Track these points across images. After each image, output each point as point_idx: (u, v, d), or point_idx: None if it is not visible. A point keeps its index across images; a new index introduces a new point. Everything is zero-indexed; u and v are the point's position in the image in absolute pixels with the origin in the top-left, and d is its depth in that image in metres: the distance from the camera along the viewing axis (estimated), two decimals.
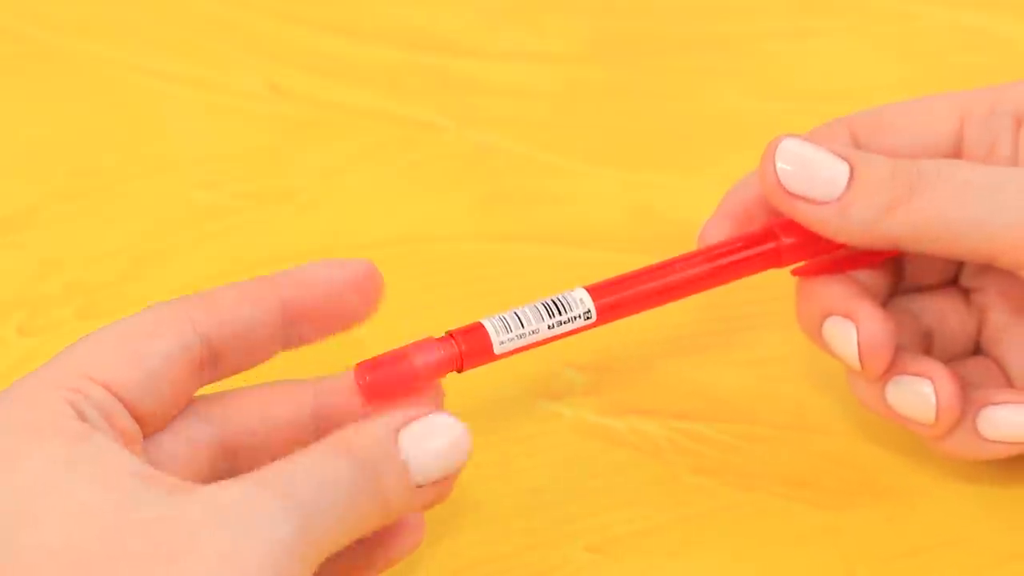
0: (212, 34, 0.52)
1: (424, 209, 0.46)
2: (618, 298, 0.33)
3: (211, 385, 0.31)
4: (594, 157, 0.48)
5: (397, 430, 0.28)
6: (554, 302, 0.32)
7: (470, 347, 0.31)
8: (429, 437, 0.29)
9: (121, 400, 0.28)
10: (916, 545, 0.37)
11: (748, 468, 0.39)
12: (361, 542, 0.30)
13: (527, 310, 0.32)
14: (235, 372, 0.31)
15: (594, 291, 0.33)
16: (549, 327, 0.32)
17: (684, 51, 0.52)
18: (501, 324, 0.32)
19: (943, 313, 0.37)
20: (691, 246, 0.45)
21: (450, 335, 0.31)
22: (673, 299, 0.34)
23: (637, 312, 0.34)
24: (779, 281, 0.44)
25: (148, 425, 0.29)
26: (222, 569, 0.25)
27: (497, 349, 0.32)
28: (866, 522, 0.37)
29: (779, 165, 0.33)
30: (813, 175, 0.33)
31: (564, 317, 0.32)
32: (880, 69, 0.52)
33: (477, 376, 0.37)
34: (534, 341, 0.32)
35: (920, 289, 0.37)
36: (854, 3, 0.55)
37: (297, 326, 0.30)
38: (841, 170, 0.33)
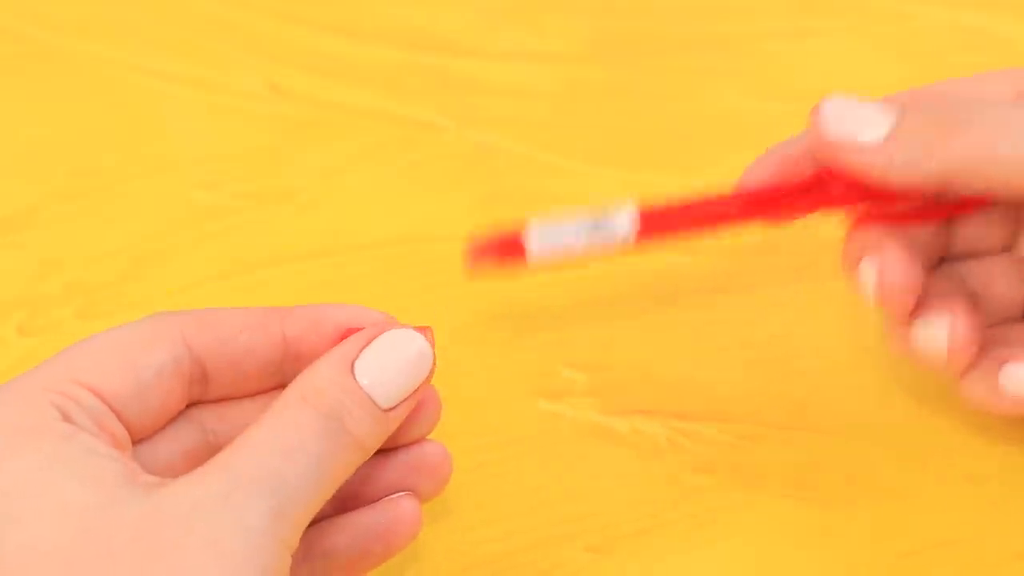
0: (212, 34, 0.52)
1: (424, 209, 0.46)
2: (663, 213, 0.33)
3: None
4: (594, 157, 0.48)
5: (351, 362, 0.28)
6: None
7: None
8: (385, 357, 0.29)
9: (111, 407, 0.28)
10: (916, 545, 0.37)
11: (748, 468, 0.39)
12: (358, 535, 0.30)
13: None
14: (229, 396, 0.31)
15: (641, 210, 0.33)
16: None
17: (684, 51, 0.52)
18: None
19: (991, 277, 0.36)
20: (690, 244, 0.45)
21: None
22: (716, 224, 0.34)
23: (677, 233, 0.34)
24: (779, 281, 0.44)
25: (136, 433, 0.29)
26: (204, 564, 0.25)
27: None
28: (866, 522, 0.37)
29: (825, 114, 0.33)
30: (860, 118, 0.33)
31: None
32: (880, 69, 0.52)
33: (477, 376, 0.38)
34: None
35: (973, 255, 0.37)
36: (854, 3, 0.55)
37: (299, 363, 0.30)
38: (887, 113, 0.32)
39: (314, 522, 0.28)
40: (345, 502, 0.31)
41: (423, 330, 0.30)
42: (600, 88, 0.51)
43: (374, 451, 0.29)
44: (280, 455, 0.27)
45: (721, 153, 0.48)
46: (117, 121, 0.49)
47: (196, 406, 0.30)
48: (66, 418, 0.27)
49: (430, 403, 0.31)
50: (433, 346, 0.29)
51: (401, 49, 0.52)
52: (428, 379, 0.29)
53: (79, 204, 0.46)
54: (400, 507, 0.31)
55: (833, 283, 0.44)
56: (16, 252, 0.44)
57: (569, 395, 0.40)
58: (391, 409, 0.28)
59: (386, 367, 0.28)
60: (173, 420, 0.30)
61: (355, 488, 0.31)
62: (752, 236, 0.45)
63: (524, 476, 0.38)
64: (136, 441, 0.29)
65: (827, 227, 0.46)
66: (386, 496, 0.31)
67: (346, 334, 0.29)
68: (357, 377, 0.28)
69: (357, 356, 0.28)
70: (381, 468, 0.31)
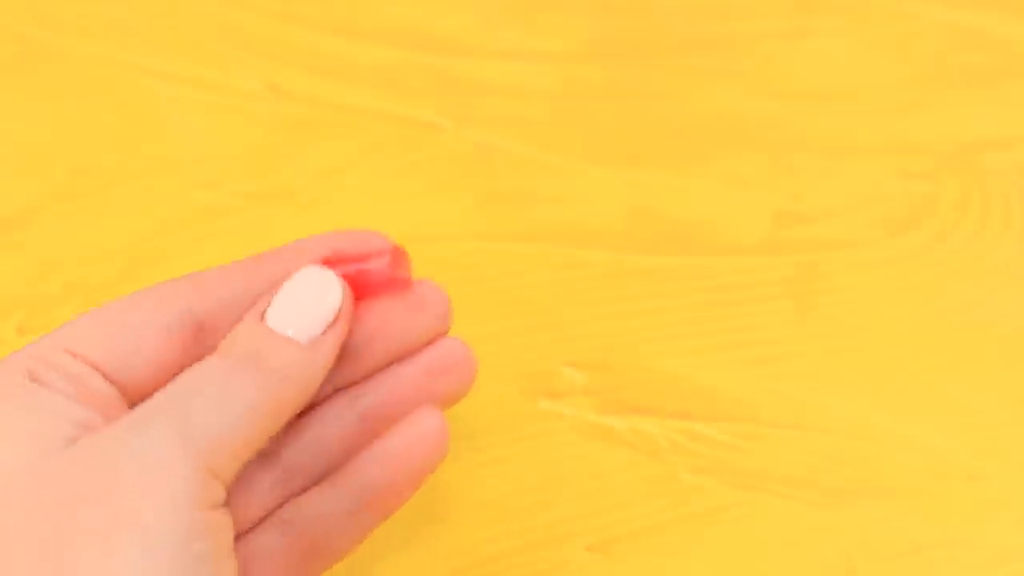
0: (212, 34, 0.52)
1: (424, 209, 0.46)
2: None
3: None
4: (593, 157, 0.48)
5: (262, 312, 0.29)
6: None
7: None
8: (292, 297, 0.29)
9: (96, 367, 0.28)
10: (916, 544, 0.37)
11: (748, 468, 0.39)
12: (384, 461, 0.30)
13: None
14: None
15: None
16: None
17: (684, 51, 0.52)
18: None
19: None
20: (690, 244, 0.45)
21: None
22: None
23: None
24: (779, 281, 0.44)
25: (134, 392, 0.29)
26: (109, 494, 0.25)
27: None
28: (866, 521, 0.37)
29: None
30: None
31: None
32: (879, 69, 0.52)
33: (477, 375, 0.37)
34: None
35: None
36: (853, 3, 0.55)
37: None
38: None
39: (342, 457, 0.29)
40: (375, 427, 0.31)
41: (390, 250, 0.30)
42: (599, 88, 0.51)
43: (313, 377, 0.29)
44: (185, 389, 0.27)
45: (721, 153, 0.48)
46: (117, 121, 0.49)
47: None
48: (34, 379, 0.27)
49: (433, 299, 0.31)
50: (392, 257, 0.30)
51: (401, 49, 0.52)
52: (345, 305, 0.29)
53: (79, 204, 0.46)
54: (420, 423, 0.30)
55: (829, 282, 0.44)
56: (16, 252, 0.44)
57: (569, 395, 0.40)
58: (316, 340, 0.29)
59: (294, 305, 0.29)
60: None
61: (378, 410, 0.31)
62: (751, 236, 0.45)
63: (524, 476, 0.38)
64: (137, 401, 0.29)
65: (824, 229, 0.46)
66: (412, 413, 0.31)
67: (324, 263, 0.30)
68: (269, 323, 0.29)
69: (268, 305, 0.29)
70: (399, 379, 0.31)
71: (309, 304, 0.29)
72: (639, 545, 0.37)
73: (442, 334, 0.32)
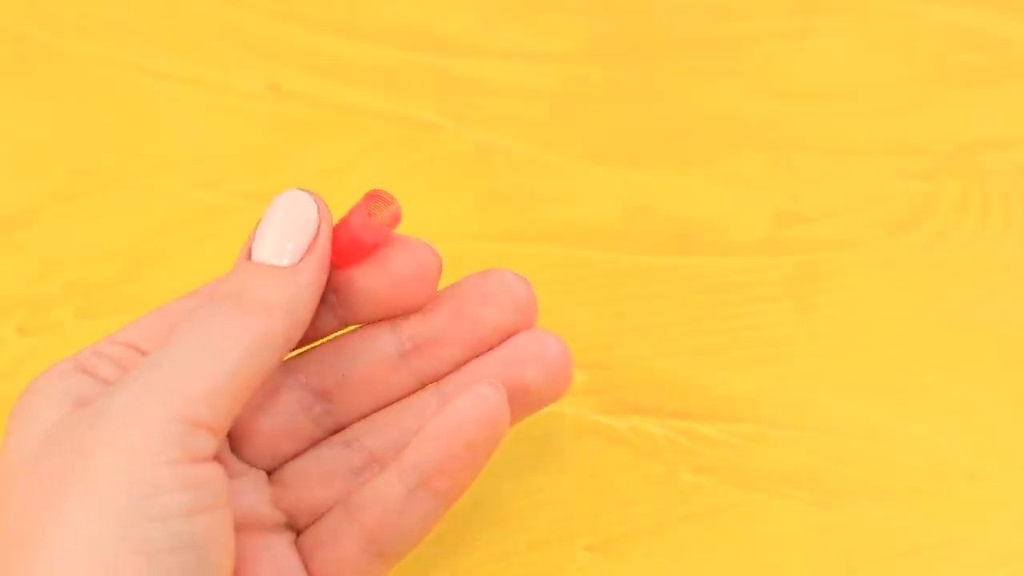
0: (212, 34, 0.52)
1: (424, 209, 0.46)
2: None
3: None
4: (593, 156, 0.48)
5: (248, 249, 0.28)
6: None
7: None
8: (268, 224, 0.28)
9: (141, 352, 0.29)
10: (916, 544, 0.37)
11: (748, 468, 0.39)
12: (438, 436, 0.29)
13: None
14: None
15: None
16: None
17: (683, 51, 0.52)
18: None
19: None
20: (690, 244, 0.45)
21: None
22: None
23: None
24: (779, 281, 0.44)
25: None
26: (89, 452, 0.25)
27: None
28: (866, 521, 0.37)
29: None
30: None
31: None
32: (879, 68, 0.52)
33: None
34: None
35: None
36: (853, 3, 0.55)
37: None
38: None
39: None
40: None
41: (372, 197, 0.29)
42: (599, 88, 0.51)
43: (300, 304, 0.28)
44: (169, 343, 0.27)
45: (720, 153, 0.48)
46: (117, 121, 0.49)
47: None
48: (80, 368, 0.28)
49: (506, 289, 0.31)
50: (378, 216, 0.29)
51: (401, 49, 0.52)
52: (324, 224, 0.29)
53: (79, 204, 0.46)
54: (475, 398, 0.29)
55: (829, 282, 0.44)
56: (16, 252, 0.44)
57: (569, 395, 0.40)
58: (298, 264, 0.28)
59: (273, 232, 0.28)
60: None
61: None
62: (751, 236, 0.45)
63: (524, 476, 0.38)
64: None
65: (824, 229, 0.46)
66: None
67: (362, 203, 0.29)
68: (253, 257, 0.28)
69: (251, 239, 0.29)
70: (479, 370, 0.31)
71: (288, 230, 0.28)
72: (639, 545, 0.37)
73: (528, 325, 0.31)
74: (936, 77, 0.51)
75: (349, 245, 0.30)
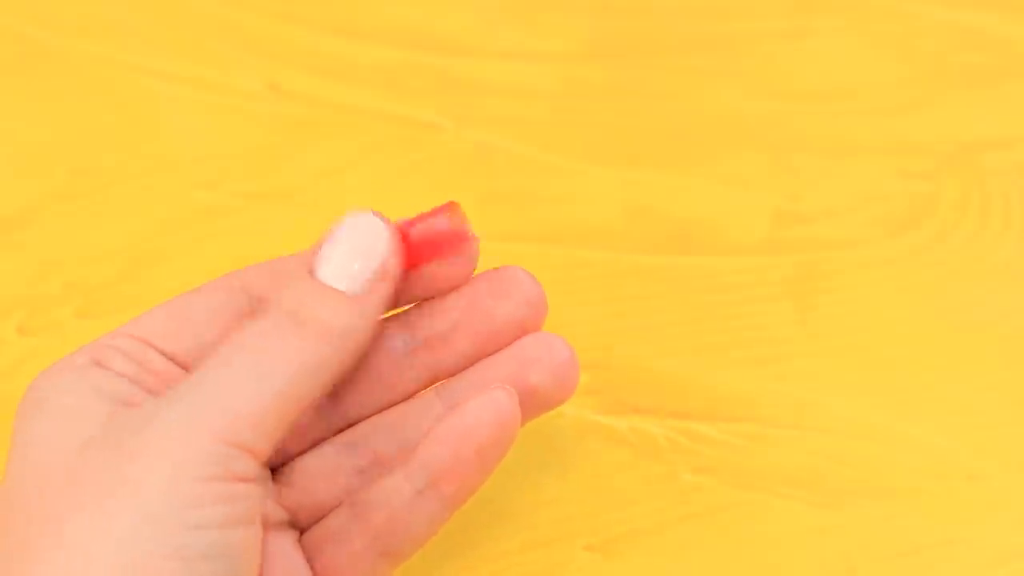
0: (212, 34, 0.52)
1: (424, 209, 0.46)
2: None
3: None
4: (593, 156, 0.48)
5: (309, 264, 0.28)
6: None
7: None
8: (339, 245, 0.28)
9: (156, 348, 0.29)
10: (916, 544, 0.37)
11: (748, 468, 0.39)
12: (450, 437, 0.29)
13: None
14: None
15: None
16: None
17: (683, 51, 0.52)
18: None
19: None
20: (690, 244, 0.45)
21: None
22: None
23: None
24: (779, 281, 0.44)
25: None
26: (129, 463, 0.25)
27: None
28: (866, 521, 0.37)
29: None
30: None
31: None
32: (879, 68, 0.52)
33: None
34: None
35: None
36: (853, 2, 0.55)
37: None
38: None
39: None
40: None
41: (445, 207, 0.29)
42: (599, 88, 0.51)
43: (357, 333, 0.28)
44: (220, 360, 0.27)
45: (720, 152, 0.48)
46: (117, 121, 0.49)
47: None
48: (96, 364, 0.28)
49: (519, 285, 0.31)
50: (457, 219, 0.29)
51: (401, 49, 0.52)
52: (393, 254, 0.28)
53: (79, 204, 0.46)
54: (487, 401, 0.29)
55: (829, 282, 0.44)
56: (16, 252, 0.44)
57: None
58: (364, 294, 0.28)
59: (340, 254, 0.28)
60: None
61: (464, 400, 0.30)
62: (751, 236, 0.45)
63: (524, 476, 0.38)
64: None
65: (824, 229, 0.46)
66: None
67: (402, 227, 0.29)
68: (317, 275, 0.28)
69: (315, 255, 0.28)
70: (488, 370, 0.30)
71: (355, 253, 0.28)
72: (639, 545, 0.37)
73: (536, 325, 0.31)
74: (936, 77, 0.51)
75: (426, 250, 0.30)
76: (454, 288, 0.31)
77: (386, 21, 0.53)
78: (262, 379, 0.26)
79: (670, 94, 0.50)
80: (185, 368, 0.29)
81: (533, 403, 0.30)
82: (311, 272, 0.28)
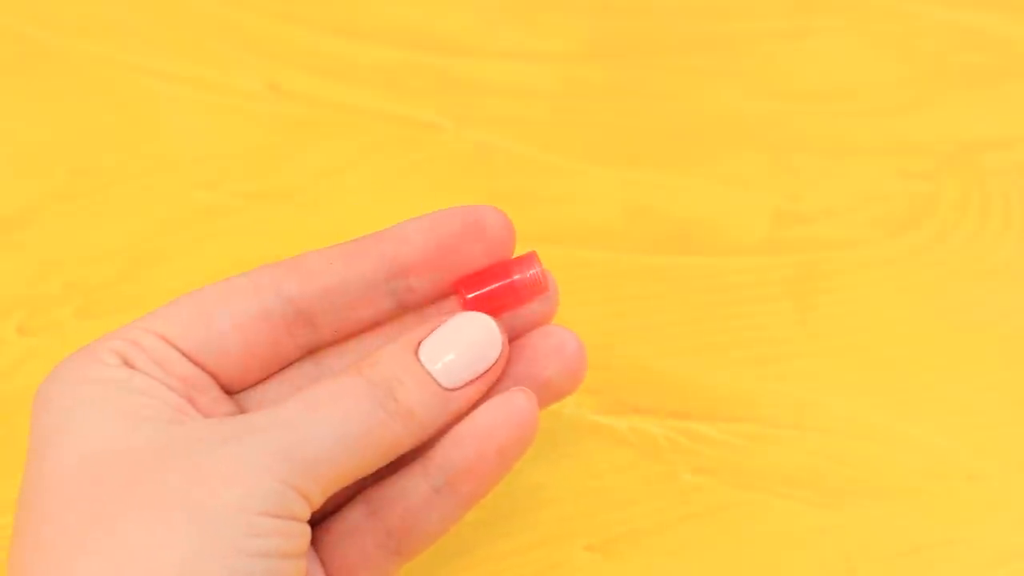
0: (212, 34, 0.52)
1: (424, 209, 0.46)
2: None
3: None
4: (593, 156, 0.48)
5: (417, 343, 0.29)
6: None
7: None
8: (451, 339, 0.29)
9: (180, 351, 0.29)
10: (916, 543, 0.37)
11: (748, 468, 0.39)
12: (468, 441, 0.29)
13: None
14: (343, 333, 0.31)
15: None
16: None
17: (683, 51, 0.52)
18: None
19: None
20: (690, 244, 0.45)
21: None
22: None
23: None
24: (779, 281, 0.44)
25: (230, 376, 0.30)
26: (188, 489, 0.26)
27: None
28: (866, 521, 0.37)
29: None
30: None
31: None
32: (879, 68, 0.52)
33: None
34: None
35: None
36: (853, 2, 0.55)
37: (404, 279, 0.30)
38: None
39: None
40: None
41: (526, 259, 0.30)
42: (599, 88, 0.51)
43: (434, 426, 0.29)
44: (303, 406, 0.27)
45: (720, 152, 0.48)
46: (117, 121, 0.49)
47: (321, 352, 0.31)
48: (125, 362, 0.28)
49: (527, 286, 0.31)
50: (541, 275, 0.30)
51: (401, 49, 0.52)
52: (499, 363, 0.29)
53: (79, 204, 0.46)
54: (506, 402, 0.30)
55: (829, 282, 0.44)
56: (16, 252, 0.44)
57: None
58: (454, 389, 0.29)
59: (452, 348, 0.29)
60: (291, 365, 0.31)
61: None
62: (751, 236, 0.45)
63: (524, 476, 0.38)
64: (243, 386, 0.30)
65: (824, 229, 0.46)
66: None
67: (458, 284, 0.30)
68: (421, 358, 0.29)
69: (424, 337, 0.29)
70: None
71: (466, 353, 0.29)
72: (639, 545, 0.37)
73: (548, 316, 0.32)
74: (936, 77, 0.51)
75: (508, 300, 0.31)
76: (536, 327, 0.32)
77: (386, 21, 0.53)
78: (339, 439, 0.27)
79: (670, 94, 0.50)
80: (212, 373, 0.29)
81: (545, 396, 0.31)
82: (415, 352, 0.29)
